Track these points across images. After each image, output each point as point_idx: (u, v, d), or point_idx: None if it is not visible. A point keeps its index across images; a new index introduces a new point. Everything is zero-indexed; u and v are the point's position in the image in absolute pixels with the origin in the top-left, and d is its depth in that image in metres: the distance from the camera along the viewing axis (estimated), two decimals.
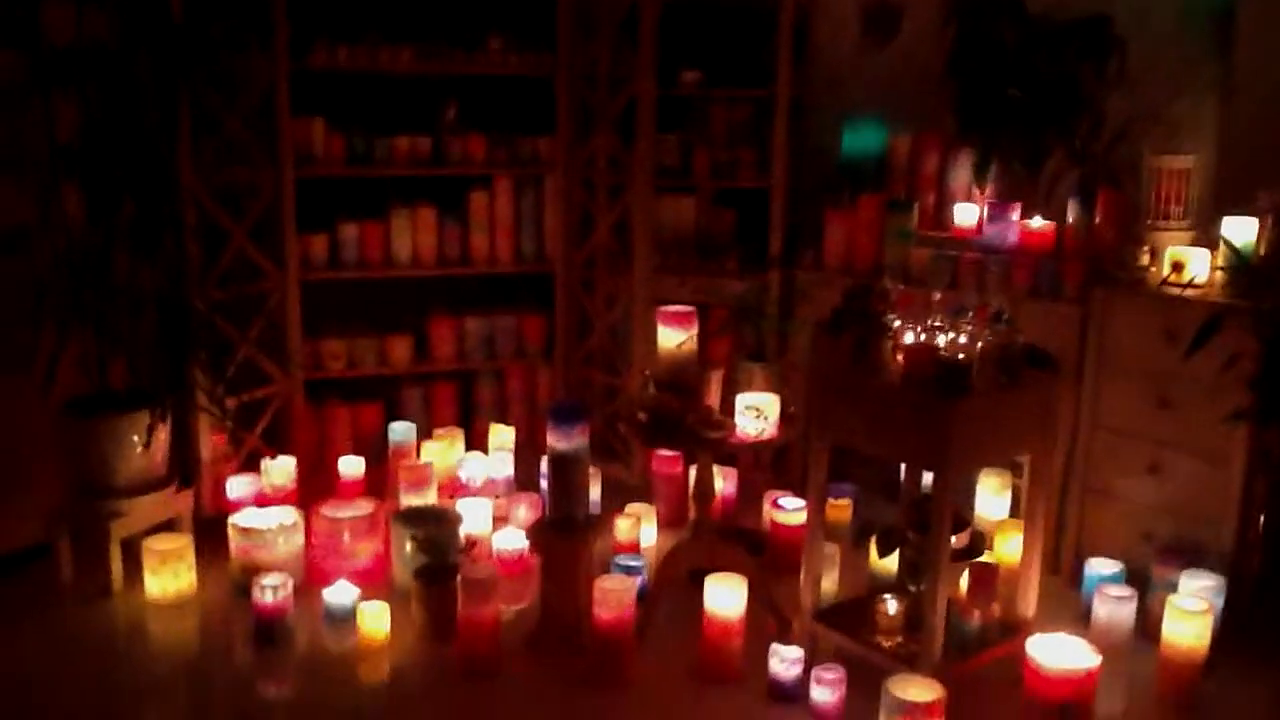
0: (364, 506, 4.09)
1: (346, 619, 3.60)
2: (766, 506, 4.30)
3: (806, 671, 3.26)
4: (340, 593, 3.67)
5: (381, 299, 5.04)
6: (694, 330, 3.65)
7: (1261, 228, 3.70)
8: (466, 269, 5.01)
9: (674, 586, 3.76)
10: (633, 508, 4.28)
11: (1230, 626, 3.52)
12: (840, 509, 4.34)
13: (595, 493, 4.39)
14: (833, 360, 3.24)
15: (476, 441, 4.84)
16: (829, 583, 3.85)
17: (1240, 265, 3.61)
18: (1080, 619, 3.66)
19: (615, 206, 4.84)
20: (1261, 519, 3.56)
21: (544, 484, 4.20)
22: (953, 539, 3.21)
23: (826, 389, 3.27)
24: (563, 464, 3.48)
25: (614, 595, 3.31)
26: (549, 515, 3.53)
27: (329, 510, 4.05)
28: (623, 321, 4.91)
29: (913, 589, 3.32)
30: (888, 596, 3.32)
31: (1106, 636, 3.47)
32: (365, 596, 3.66)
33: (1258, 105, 4.24)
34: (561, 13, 4.84)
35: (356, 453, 4.70)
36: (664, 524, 4.42)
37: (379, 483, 4.57)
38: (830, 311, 3.25)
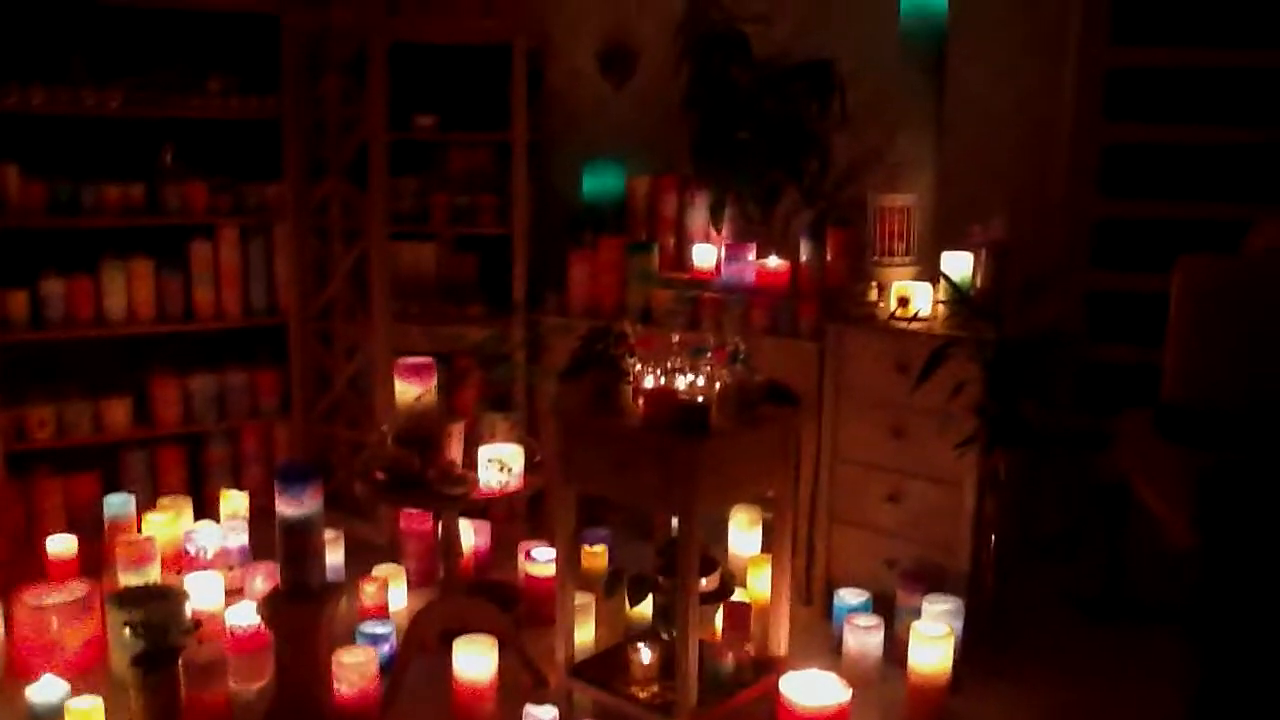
0: (75, 589, 3.71)
1: (53, 718, 3.22)
2: (520, 558, 4.17)
3: None
4: (45, 689, 3.29)
5: (96, 358, 4.63)
6: (433, 382, 3.50)
7: (976, 261, 3.89)
8: (190, 324, 4.68)
9: (425, 650, 3.57)
10: (380, 569, 4.08)
11: (971, 645, 3.64)
12: (595, 556, 4.25)
13: (338, 556, 4.16)
14: (574, 406, 3.16)
15: (208, 509, 4.50)
16: (586, 634, 3.74)
17: (958, 298, 3.77)
18: (833, 650, 3.71)
19: (350, 254, 4.63)
20: (993, 538, 3.70)
21: None
22: (703, 581, 3.18)
23: (570, 436, 3.18)
24: (293, 531, 3.24)
25: (353, 669, 3.10)
26: (280, 586, 3.28)
27: (33, 596, 3.65)
28: (364, 373, 4.69)
29: (665, 635, 3.26)
30: (641, 645, 3.25)
31: (857, 666, 3.53)
32: (77, 690, 3.30)
33: (965, 143, 4.49)
34: (286, 54, 4.61)
35: (72, 528, 4.30)
36: (415, 584, 4.23)
37: (96, 561, 4.16)
38: (570, 356, 3.17)
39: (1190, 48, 4.69)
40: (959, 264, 3.88)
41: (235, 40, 4.72)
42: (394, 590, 4.03)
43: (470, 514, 4.03)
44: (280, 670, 3.31)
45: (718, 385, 3.10)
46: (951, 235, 4.09)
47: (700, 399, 2.99)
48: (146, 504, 4.39)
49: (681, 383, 3.11)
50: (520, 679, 3.53)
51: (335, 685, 3.12)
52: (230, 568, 4.13)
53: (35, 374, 4.51)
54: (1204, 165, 4.77)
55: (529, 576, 4.06)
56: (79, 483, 4.54)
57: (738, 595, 3.51)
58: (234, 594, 3.97)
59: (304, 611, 3.19)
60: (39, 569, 4.07)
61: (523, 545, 4.19)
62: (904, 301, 3.88)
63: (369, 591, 3.87)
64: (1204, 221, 4.74)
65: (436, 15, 4.64)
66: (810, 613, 4.07)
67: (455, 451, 3.47)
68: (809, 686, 3.11)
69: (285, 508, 3.23)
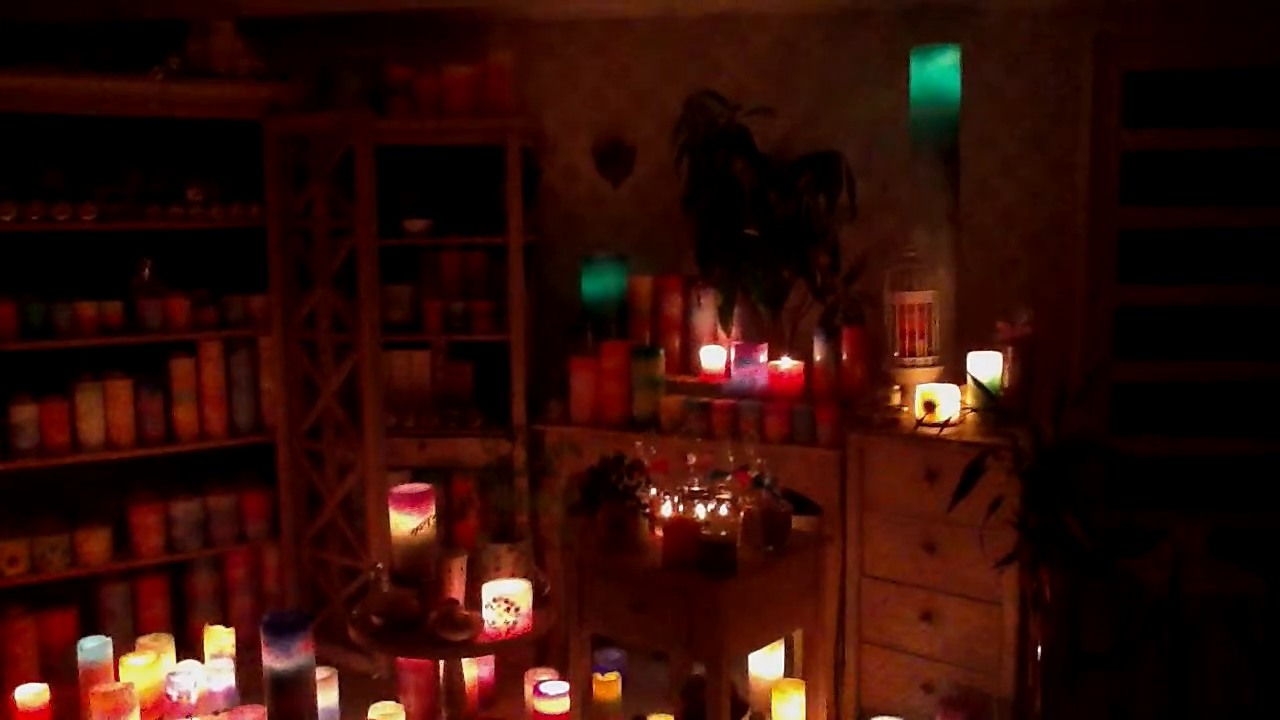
0: None
1: None
2: (528, 690, 3.88)
3: None
4: None
5: (71, 487, 4.36)
6: (431, 512, 3.26)
7: (1004, 361, 3.68)
8: (171, 446, 4.42)
9: None
10: (377, 709, 3.77)
11: None
12: (607, 685, 3.96)
13: (332, 698, 3.86)
14: (587, 542, 2.91)
15: (193, 643, 4.21)
16: None
17: (989, 402, 3.55)
18: None
19: (341, 367, 4.40)
20: (1039, 660, 3.44)
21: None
22: None
23: (583, 574, 2.93)
24: (282, 685, 2.97)
25: None
26: None
27: None
28: (357, 493, 4.43)
29: None
30: None
31: None
32: None
33: (983, 234, 4.32)
34: (268, 160, 4.43)
35: (47, 672, 4.02)
36: None
37: (73, 710, 3.86)
38: (579, 488, 2.93)
39: (1204, 129, 4.54)
40: (986, 365, 3.67)
41: (215, 147, 4.53)
42: None
43: None
44: None
45: (741, 513, 2.87)
46: (974, 332, 3.90)
47: (724, 533, 2.75)
48: (126, 642, 4.09)
49: (701, 511, 2.88)
50: None
51: None
52: (216, 712, 3.82)
53: (6, 506, 4.24)
54: (1222, 246, 4.60)
55: (538, 714, 3.76)
56: (54, 621, 4.24)
57: None
58: None
59: None
60: None
61: (530, 675, 3.91)
62: (930, 406, 3.65)
63: None
64: (1228, 306, 4.56)
65: (426, 116, 4.48)
66: None
67: (457, 589, 3.22)
68: None
69: (273, 661, 2.97)
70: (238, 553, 4.59)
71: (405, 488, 3.29)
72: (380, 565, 3.29)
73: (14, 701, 3.79)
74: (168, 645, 4.05)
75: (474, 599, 3.19)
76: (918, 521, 3.64)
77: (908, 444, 3.64)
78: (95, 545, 4.30)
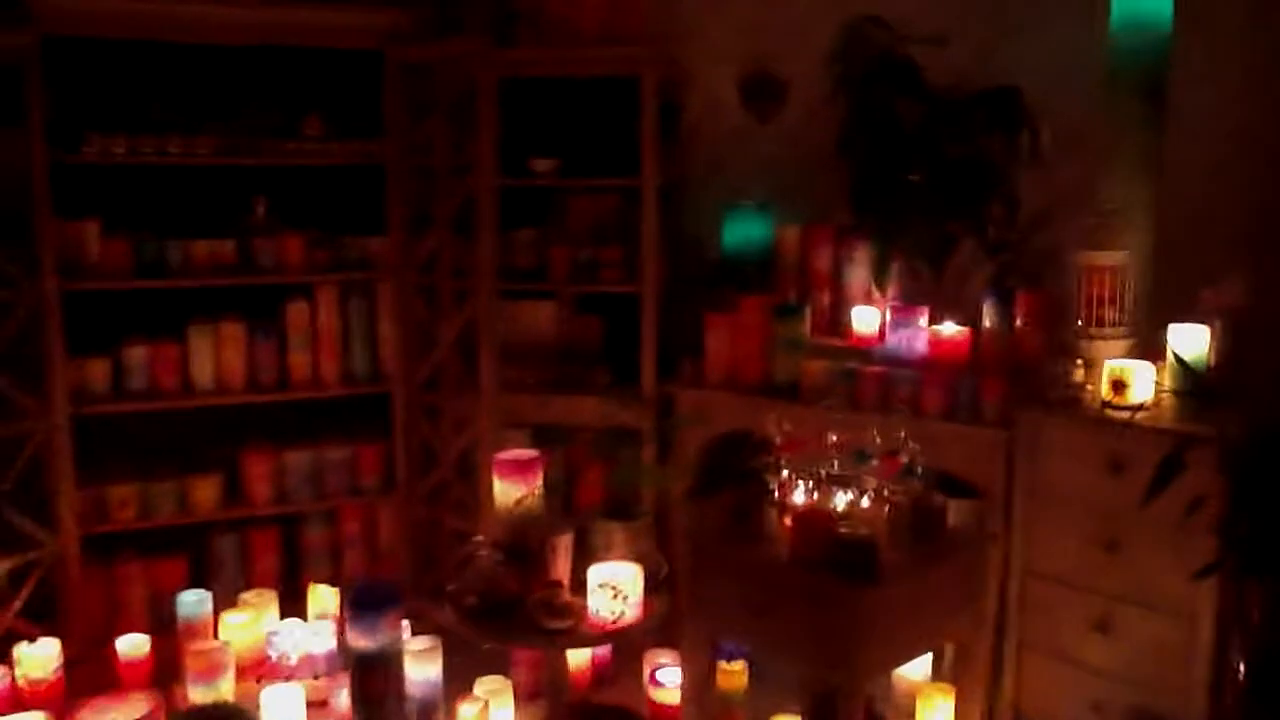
0: (137, 707, 3.27)
1: None
2: (646, 674, 3.56)
3: None
4: None
5: (183, 431, 4.25)
6: (538, 482, 2.93)
7: (1212, 335, 3.13)
8: (284, 393, 4.25)
9: None
10: (483, 684, 3.52)
11: None
12: (733, 675, 3.61)
13: (435, 670, 3.61)
14: (706, 529, 2.53)
15: (302, 598, 4.03)
16: None
17: (1192, 383, 3.01)
18: None
19: (459, 315, 4.12)
20: (1239, 686, 2.93)
21: None
22: None
23: (700, 566, 2.56)
24: (367, 665, 2.71)
25: None
26: None
27: (92, 713, 3.22)
28: (473, 450, 4.16)
29: None
30: None
31: None
32: None
33: (1191, 186, 3.72)
34: (389, 93, 4.16)
35: (155, 621, 3.93)
36: (525, 697, 3.66)
37: (173, 662, 3.72)
38: (700, 468, 2.56)
39: None
40: (1190, 339, 3.13)
41: (334, 80, 4.29)
42: (499, 712, 3.46)
43: None
44: None
45: (887, 507, 2.45)
46: (1173, 300, 3.34)
47: (865, 529, 2.33)
48: (237, 592, 3.94)
49: (840, 500, 2.47)
50: None
51: None
52: (316, 676, 3.63)
53: (117, 449, 4.15)
54: None
55: (654, 704, 3.44)
56: (164, 569, 4.15)
57: None
58: (317, 706, 3.47)
59: None
60: (112, 674, 3.66)
61: (649, 657, 3.59)
62: (1119, 385, 3.13)
63: (468, 715, 3.32)
64: None
65: (555, 46, 4.13)
66: None
67: (562, 568, 2.89)
68: None
69: (358, 638, 2.70)
70: (351, 507, 4.40)
71: (511, 453, 3.00)
72: (482, 538, 2.99)
73: (116, 649, 3.68)
74: (270, 602, 3.87)
75: (581, 580, 2.87)
76: (1097, 517, 3.14)
77: (1090, 427, 3.14)
78: (206, 492, 4.18)
